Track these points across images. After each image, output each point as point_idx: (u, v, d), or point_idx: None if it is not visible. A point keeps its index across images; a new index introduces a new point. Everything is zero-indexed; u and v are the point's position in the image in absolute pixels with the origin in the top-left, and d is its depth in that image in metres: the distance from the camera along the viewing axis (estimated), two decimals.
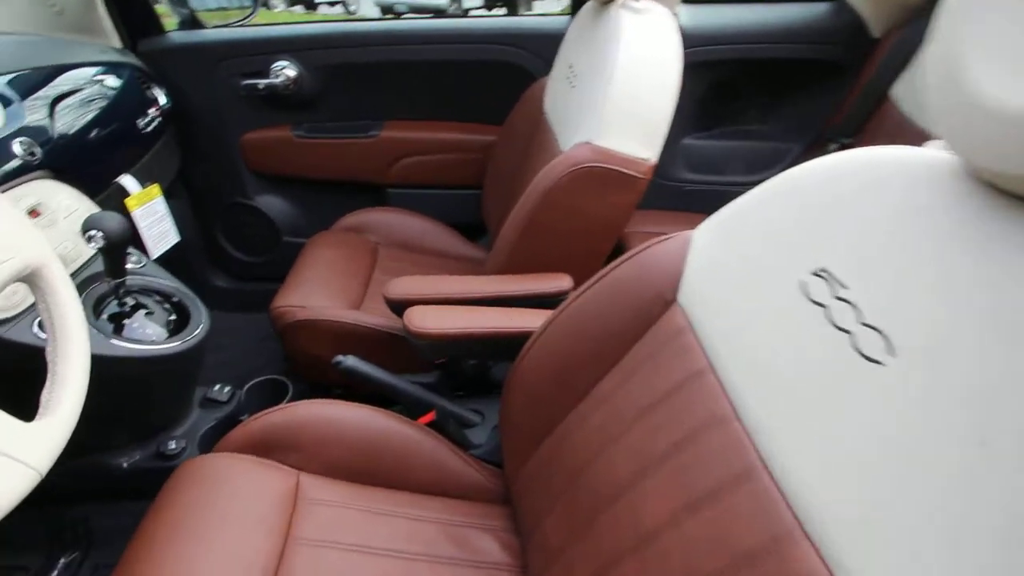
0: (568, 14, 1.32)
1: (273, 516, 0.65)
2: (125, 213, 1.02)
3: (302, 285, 1.12)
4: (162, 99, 1.26)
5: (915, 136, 1.06)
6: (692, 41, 1.17)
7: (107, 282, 0.80)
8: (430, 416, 0.87)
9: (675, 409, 0.49)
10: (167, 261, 1.06)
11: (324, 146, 1.43)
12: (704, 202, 1.43)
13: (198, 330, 0.85)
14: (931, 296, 0.34)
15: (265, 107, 1.40)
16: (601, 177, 0.84)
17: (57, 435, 0.48)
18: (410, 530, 0.69)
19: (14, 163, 0.78)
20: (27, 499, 0.44)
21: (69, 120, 0.95)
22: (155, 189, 1.08)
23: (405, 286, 0.91)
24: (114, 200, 1.01)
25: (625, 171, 0.84)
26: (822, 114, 1.33)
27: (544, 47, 1.27)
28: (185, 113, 1.36)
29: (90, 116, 1.01)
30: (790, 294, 0.43)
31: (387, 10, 6.21)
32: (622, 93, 0.83)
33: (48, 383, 0.51)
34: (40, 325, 0.69)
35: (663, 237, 0.60)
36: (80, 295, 0.78)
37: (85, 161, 0.96)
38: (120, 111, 1.10)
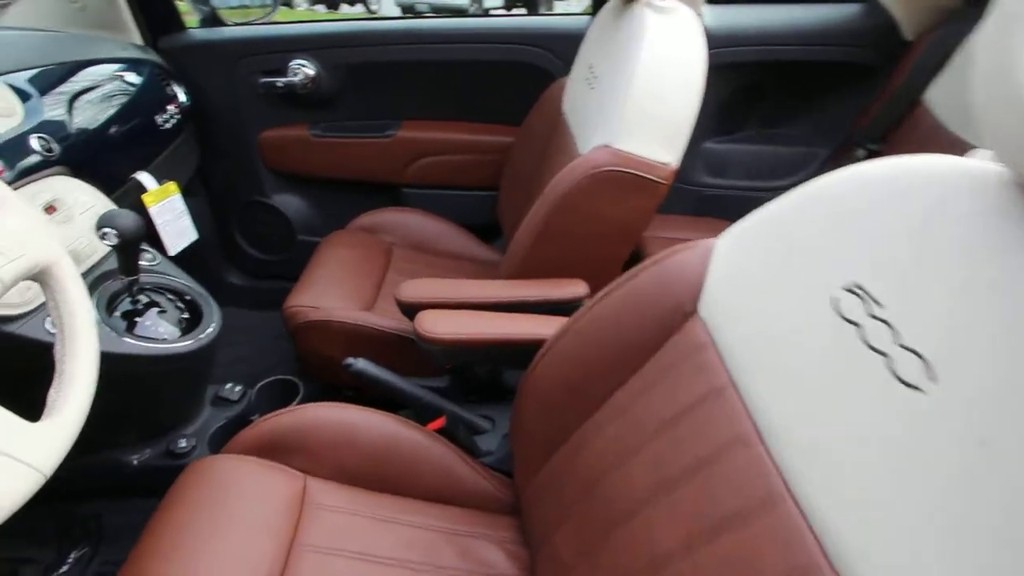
0: (589, 14, 1.30)
1: (279, 520, 0.65)
2: (142, 210, 1.02)
3: (315, 285, 1.11)
4: (181, 96, 1.27)
5: (949, 143, 1.02)
6: (716, 42, 1.14)
7: (121, 279, 0.80)
8: (440, 422, 0.85)
9: (694, 427, 0.47)
10: (184, 257, 1.06)
11: (341, 145, 1.43)
12: (724, 207, 1.42)
13: (210, 329, 0.85)
14: (979, 318, 0.32)
15: (283, 105, 1.40)
16: (620, 181, 0.82)
17: (63, 436, 0.48)
18: (416, 539, 0.68)
19: (32, 159, 0.79)
20: (38, 495, 0.44)
21: (88, 116, 0.96)
22: (172, 186, 1.09)
23: (417, 289, 0.89)
24: (131, 197, 1.01)
25: (645, 175, 0.81)
26: (849, 118, 1.29)
27: (564, 47, 1.25)
28: (204, 110, 1.37)
29: (110, 112, 1.01)
30: (820, 310, 0.41)
31: (408, 9, 6.23)
32: (644, 94, 0.80)
33: (55, 382, 0.50)
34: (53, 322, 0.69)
35: (683, 246, 0.58)
36: (94, 292, 0.79)
37: (103, 157, 0.97)
38: (140, 108, 1.11)
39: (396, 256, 1.27)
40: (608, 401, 0.58)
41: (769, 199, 0.50)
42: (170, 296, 0.87)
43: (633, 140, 0.81)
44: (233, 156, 1.46)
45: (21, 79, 0.87)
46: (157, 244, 1.03)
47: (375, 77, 1.37)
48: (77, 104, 0.94)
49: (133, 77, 1.13)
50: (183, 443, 0.91)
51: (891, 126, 1.16)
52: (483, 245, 1.36)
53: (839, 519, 0.35)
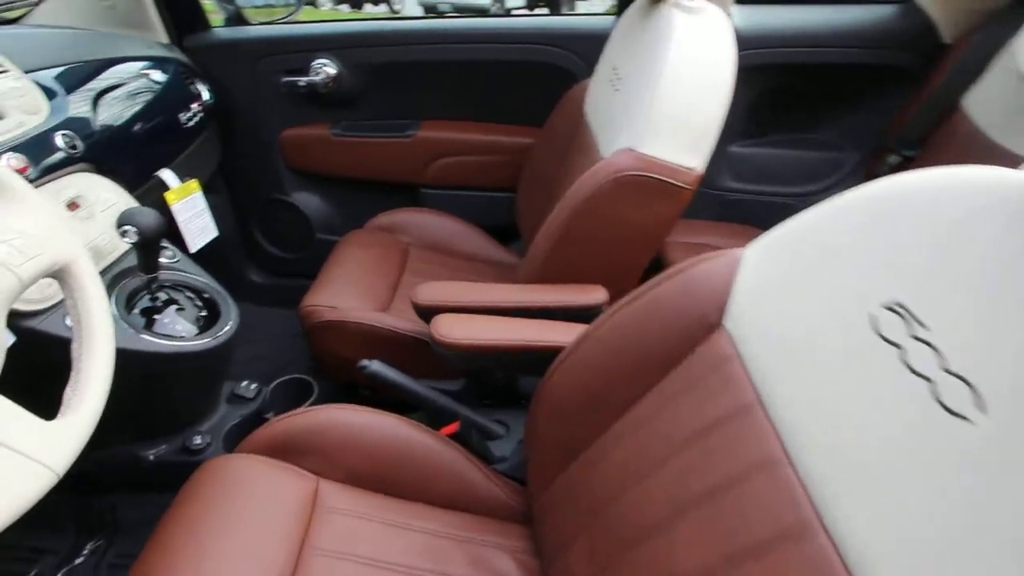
0: (613, 14, 1.27)
1: (291, 522, 0.65)
2: (164, 207, 1.03)
3: (332, 284, 1.11)
4: (205, 94, 1.28)
5: (989, 150, 0.97)
6: (745, 43, 1.11)
7: (140, 276, 0.81)
8: (454, 426, 0.85)
9: (718, 446, 0.45)
10: (204, 254, 1.07)
11: (361, 145, 1.43)
12: (747, 213, 1.38)
13: (227, 328, 0.85)
14: None
15: (305, 104, 1.40)
16: (643, 186, 0.79)
17: (77, 436, 0.48)
18: (427, 545, 0.67)
19: (56, 156, 0.80)
20: (56, 486, 0.44)
21: (113, 113, 0.97)
22: (194, 184, 1.09)
23: (433, 292, 0.88)
24: (154, 194, 1.02)
25: (669, 180, 0.79)
26: (879, 123, 1.25)
27: (587, 48, 1.24)
28: (227, 109, 1.38)
29: (134, 110, 1.02)
30: (857, 328, 0.38)
31: (430, 9, 6.25)
32: (670, 96, 0.78)
33: (72, 380, 0.51)
34: None
35: (709, 255, 0.55)
36: (114, 288, 0.79)
37: (127, 155, 0.97)
38: (164, 105, 1.12)
39: (413, 256, 1.27)
40: (628, 413, 0.57)
41: (794, 205, 0.48)
42: (189, 294, 0.88)
43: (658, 144, 0.79)
44: (254, 154, 1.47)
45: (48, 77, 0.88)
46: (178, 241, 1.04)
47: (396, 77, 1.37)
48: (102, 101, 0.95)
49: (158, 75, 1.14)
50: (198, 440, 0.92)
51: (927, 132, 1.12)
52: (500, 247, 1.35)
53: (874, 555, 0.33)
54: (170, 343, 0.79)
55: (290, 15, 1.48)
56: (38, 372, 0.58)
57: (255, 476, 0.68)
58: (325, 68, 1.35)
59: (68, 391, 0.50)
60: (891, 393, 0.35)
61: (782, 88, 1.29)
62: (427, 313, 0.85)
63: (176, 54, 1.26)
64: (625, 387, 0.57)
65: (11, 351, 0.48)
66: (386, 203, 1.41)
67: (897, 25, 1.19)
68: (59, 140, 0.80)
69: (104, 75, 1.00)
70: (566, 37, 1.28)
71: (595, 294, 0.87)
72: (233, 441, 0.94)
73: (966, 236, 0.34)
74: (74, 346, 0.52)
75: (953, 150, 1.05)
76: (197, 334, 0.83)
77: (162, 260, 0.84)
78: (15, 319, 0.66)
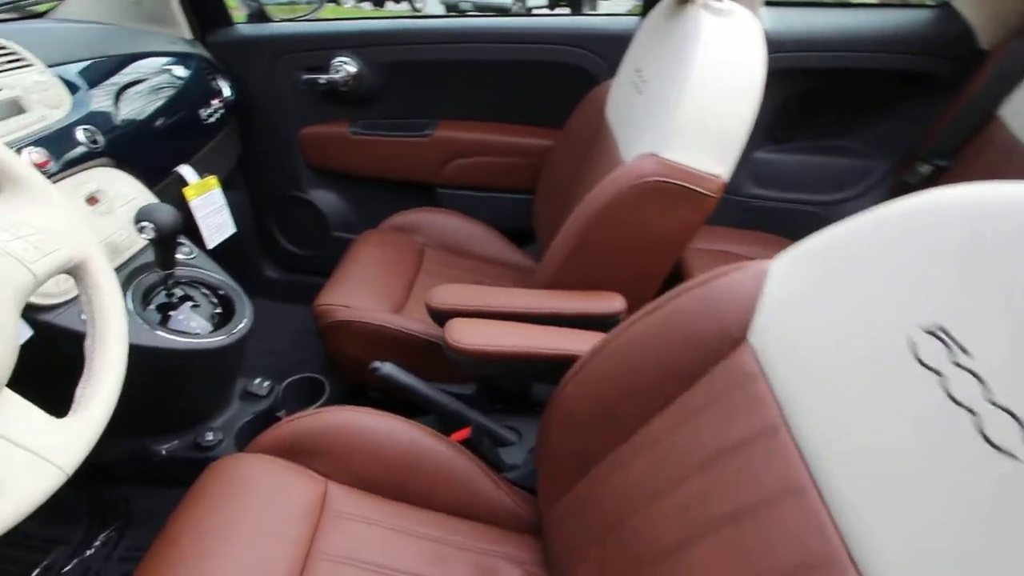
0: (638, 14, 1.25)
1: (298, 525, 0.65)
2: (183, 202, 1.04)
3: (346, 283, 1.11)
4: (226, 91, 1.28)
5: None
6: (774, 46, 1.08)
7: (157, 272, 0.81)
8: (465, 432, 0.83)
9: (742, 468, 0.43)
10: (221, 249, 1.07)
11: (379, 144, 1.42)
12: (770, 220, 1.35)
13: (241, 325, 0.85)
14: None
15: (324, 102, 1.40)
16: (666, 193, 0.77)
17: (87, 434, 0.47)
18: (435, 554, 0.66)
19: (77, 151, 0.80)
20: (70, 477, 0.44)
21: (135, 108, 0.97)
22: (213, 180, 1.10)
23: (448, 295, 0.87)
24: (173, 189, 1.03)
25: (693, 187, 0.77)
26: (910, 131, 1.20)
27: (610, 49, 1.21)
28: (247, 105, 1.39)
29: (156, 105, 1.03)
30: (894, 351, 0.36)
31: (452, 8, 6.26)
32: (696, 100, 0.76)
33: (84, 378, 0.50)
34: None
35: (734, 266, 0.53)
36: (131, 284, 0.79)
37: (147, 150, 0.98)
38: (185, 101, 1.12)
39: (428, 257, 1.26)
40: (644, 427, 0.55)
41: (820, 214, 0.45)
42: (204, 290, 0.88)
43: (682, 149, 0.77)
44: (273, 151, 1.47)
45: (72, 71, 0.89)
46: (196, 237, 1.04)
47: (416, 76, 1.36)
48: (124, 96, 0.95)
49: (180, 71, 1.15)
50: (210, 436, 0.92)
51: (962, 141, 1.08)
52: (516, 250, 1.33)
53: None
54: (184, 340, 0.79)
55: (312, 12, 1.49)
56: (52, 367, 0.58)
57: (264, 477, 0.68)
58: (345, 66, 1.34)
59: (80, 389, 0.50)
60: (930, 424, 0.33)
61: (810, 93, 1.26)
62: (442, 316, 0.84)
63: (199, 50, 1.27)
64: (642, 400, 0.55)
65: (25, 346, 0.48)
66: (403, 202, 1.40)
67: (933, 30, 1.15)
68: (80, 134, 0.81)
69: (127, 70, 1.00)
70: (588, 37, 1.26)
71: (613, 302, 0.85)
72: (245, 438, 0.94)
73: (1013, 258, 0.32)
74: (87, 343, 0.52)
75: (989, 160, 1.01)
76: (211, 331, 0.83)
77: (179, 256, 0.84)
78: (31, 312, 0.67)
